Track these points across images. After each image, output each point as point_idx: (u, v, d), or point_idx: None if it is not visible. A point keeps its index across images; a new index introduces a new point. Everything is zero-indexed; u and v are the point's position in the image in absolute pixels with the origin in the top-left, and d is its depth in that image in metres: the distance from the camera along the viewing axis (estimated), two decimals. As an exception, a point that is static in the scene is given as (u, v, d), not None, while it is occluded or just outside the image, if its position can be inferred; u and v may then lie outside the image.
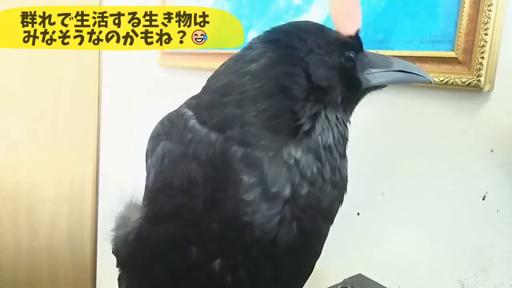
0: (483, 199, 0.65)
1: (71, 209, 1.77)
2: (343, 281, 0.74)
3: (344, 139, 0.46)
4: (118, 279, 0.55)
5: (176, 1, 1.32)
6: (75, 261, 1.81)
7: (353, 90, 0.47)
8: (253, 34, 0.93)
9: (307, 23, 0.48)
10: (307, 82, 0.43)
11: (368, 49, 0.76)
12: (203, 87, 0.48)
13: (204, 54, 1.17)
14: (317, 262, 0.52)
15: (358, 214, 0.83)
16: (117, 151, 1.72)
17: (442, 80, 0.67)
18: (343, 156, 0.46)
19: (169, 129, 0.46)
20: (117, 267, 0.54)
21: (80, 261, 1.82)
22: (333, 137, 0.44)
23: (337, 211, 0.47)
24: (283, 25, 0.47)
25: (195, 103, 0.46)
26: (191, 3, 1.23)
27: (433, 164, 0.72)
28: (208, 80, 0.47)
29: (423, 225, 0.73)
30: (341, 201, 0.47)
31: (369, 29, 0.77)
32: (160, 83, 1.43)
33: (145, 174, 0.50)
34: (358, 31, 0.47)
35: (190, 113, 0.45)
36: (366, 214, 0.82)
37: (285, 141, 0.42)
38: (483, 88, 0.63)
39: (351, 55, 0.45)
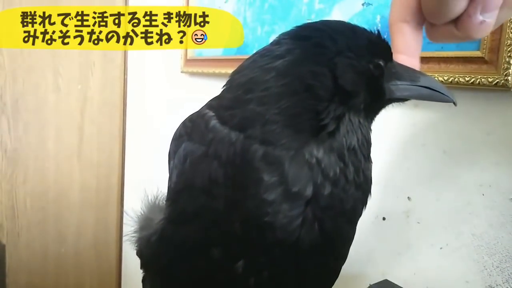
0: (513, 202, 0.64)
1: (96, 215, 1.81)
2: (368, 286, 0.73)
3: (368, 142, 0.45)
4: (143, 280, 0.56)
5: (198, 2, 1.32)
6: (101, 267, 1.83)
7: (376, 98, 0.45)
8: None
9: (340, 23, 0.45)
10: (332, 84, 0.41)
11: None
12: (226, 83, 0.46)
13: (227, 60, 1.18)
14: (342, 268, 0.51)
15: (384, 219, 0.81)
16: (142, 158, 1.74)
17: (468, 80, 0.66)
18: (367, 158, 0.44)
19: (191, 130, 0.46)
20: (141, 268, 0.54)
21: (105, 266, 1.85)
22: (357, 139, 0.43)
23: (361, 214, 0.46)
24: (315, 22, 0.45)
25: (216, 104, 0.46)
26: (213, 6, 1.24)
27: (461, 166, 0.70)
28: (231, 75, 0.46)
29: (451, 229, 0.71)
30: (365, 203, 0.45)
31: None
32: (184, 90, 1.45)
33: (167, 177, 0.51)
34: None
35: (211, 113, 0.44)
36: (392, 219, 0.80)
37: (306, 140, 0.40)
38: (511, 87, 0.62)
39: (380, 63, 0.43)
